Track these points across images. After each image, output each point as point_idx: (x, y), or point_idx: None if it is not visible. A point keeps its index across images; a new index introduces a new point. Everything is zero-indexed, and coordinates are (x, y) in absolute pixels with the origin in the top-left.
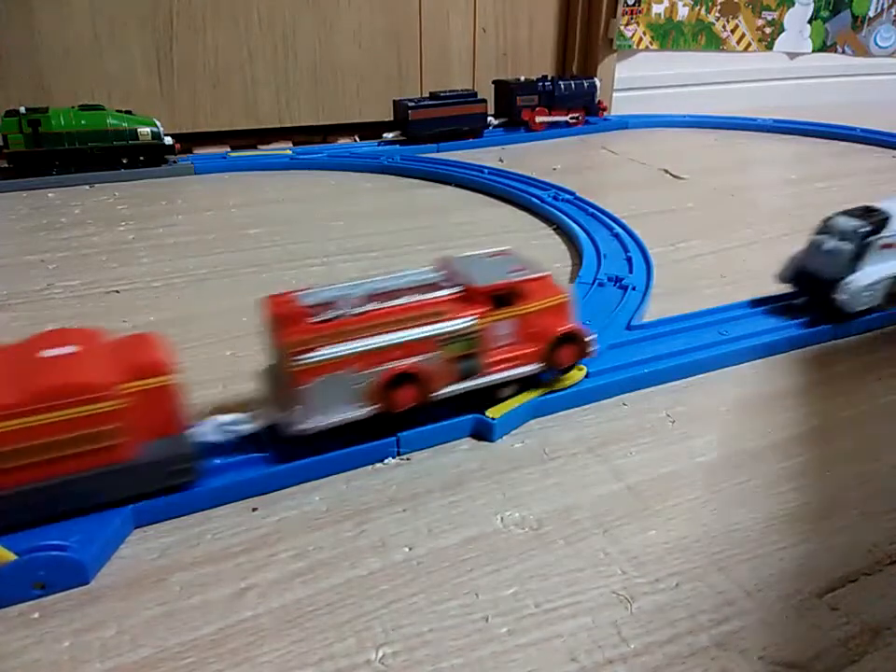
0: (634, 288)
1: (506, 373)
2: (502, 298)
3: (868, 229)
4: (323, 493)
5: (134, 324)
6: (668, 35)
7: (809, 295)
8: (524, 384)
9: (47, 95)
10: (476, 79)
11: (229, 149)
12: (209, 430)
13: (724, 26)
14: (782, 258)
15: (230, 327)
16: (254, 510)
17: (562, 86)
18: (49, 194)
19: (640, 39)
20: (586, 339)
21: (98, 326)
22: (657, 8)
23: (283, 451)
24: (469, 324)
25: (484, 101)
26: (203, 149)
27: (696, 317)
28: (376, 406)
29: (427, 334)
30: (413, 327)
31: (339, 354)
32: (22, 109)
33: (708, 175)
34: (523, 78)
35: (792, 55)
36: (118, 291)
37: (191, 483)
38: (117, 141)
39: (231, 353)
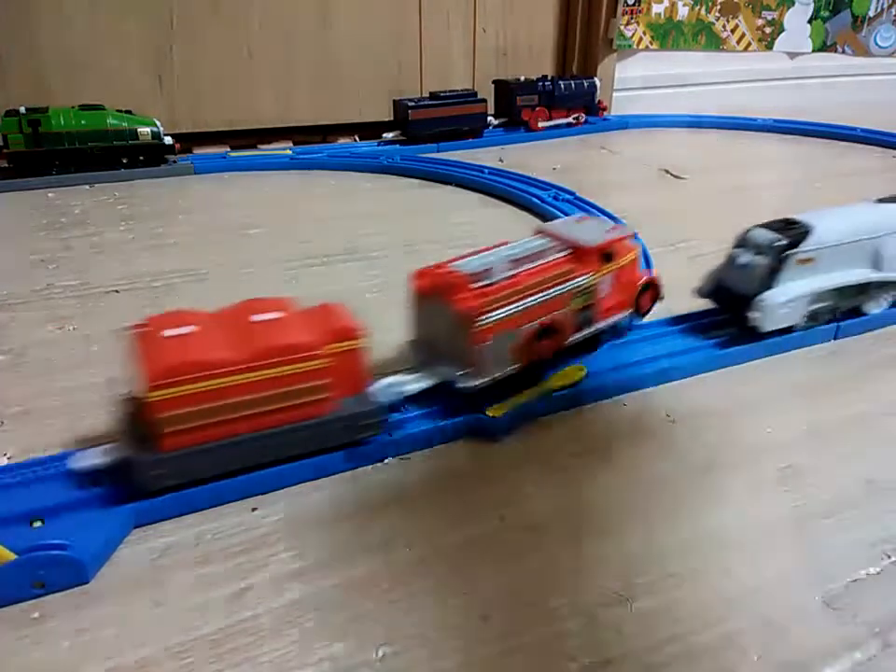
0: None
1: (610, 320)
2: (606, 255)
3: (784, 243)
4: (324, 493)
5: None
6: (668, 34)
7: (729, 311)
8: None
9: (47, 95)
10: (476, 79)
11: (229, 149)
12: (381, 391)
13: (724, 26)
14: None
15: None
16: (253, 510)
17: (562, 86)
18: (49, 194)
19: (640, 39)
20: (660, 285)
21: (97, 325)
22: (657, 8)
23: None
24: (589, 280)
25: (484, 101)
26: (203, 149)
27: (694, 318)
28: (525, 359)
29: (563, 291)
30: (553, 286)
31: (508, 313)
32: (22, 109)
33: (708, 175)
34: (523, 78)
35: (792, 55)
36: (117, 291)
37: (377, 435)
38: (117, 141)
39: None
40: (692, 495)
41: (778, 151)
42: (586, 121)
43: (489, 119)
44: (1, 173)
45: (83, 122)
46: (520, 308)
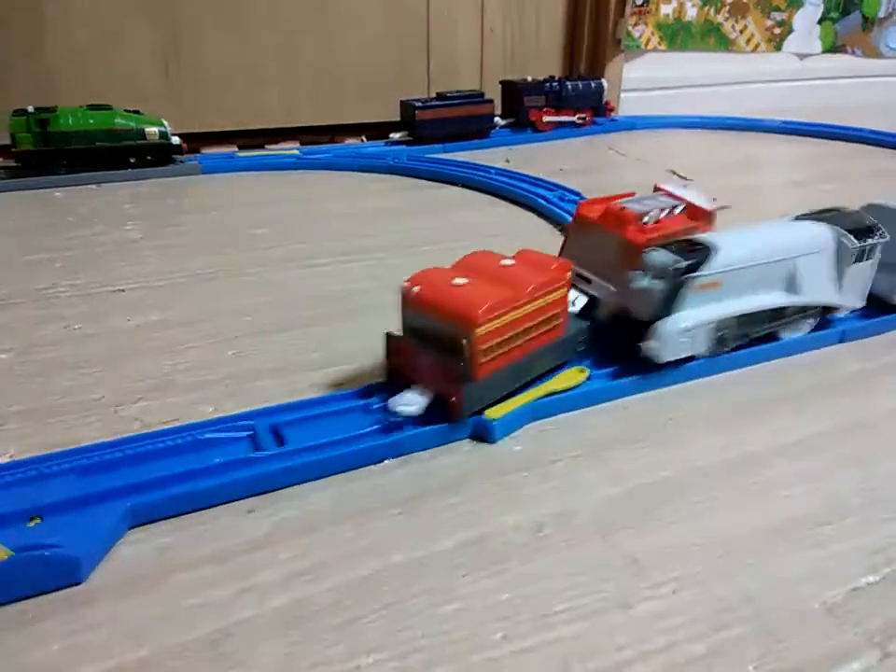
0: None
1: None
2: (713, 217)
3: (683, 266)
4: (322, 494)
5: (138, 323)
6: (677, 35)
7: (627, 338)
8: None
9: (55, 95)
10: (483, 79)
11: (236, 149)
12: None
13: (733, 27)
14: None
15: (234, 327)
16: (249, 511)
17: (569, 86)
18: (57, 193)
19: (648, 40)
20: None
21: (101, 325)
22: (665, 9)
23: None
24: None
25: (491, 101)
26: (210, 149)
27: None
28: None
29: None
30: (685, 234)
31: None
32: (31, 108)
33: (715, 177)
34: (530, 79)
35: (802, 56)
36: (123, 290)
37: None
38: (124, 140)
39: (234, 353)
40: (691, 498)
41: (786, 153)
42: (594, 122)
43: (496, 119)
44: (9, 172)
45: (91, 122)
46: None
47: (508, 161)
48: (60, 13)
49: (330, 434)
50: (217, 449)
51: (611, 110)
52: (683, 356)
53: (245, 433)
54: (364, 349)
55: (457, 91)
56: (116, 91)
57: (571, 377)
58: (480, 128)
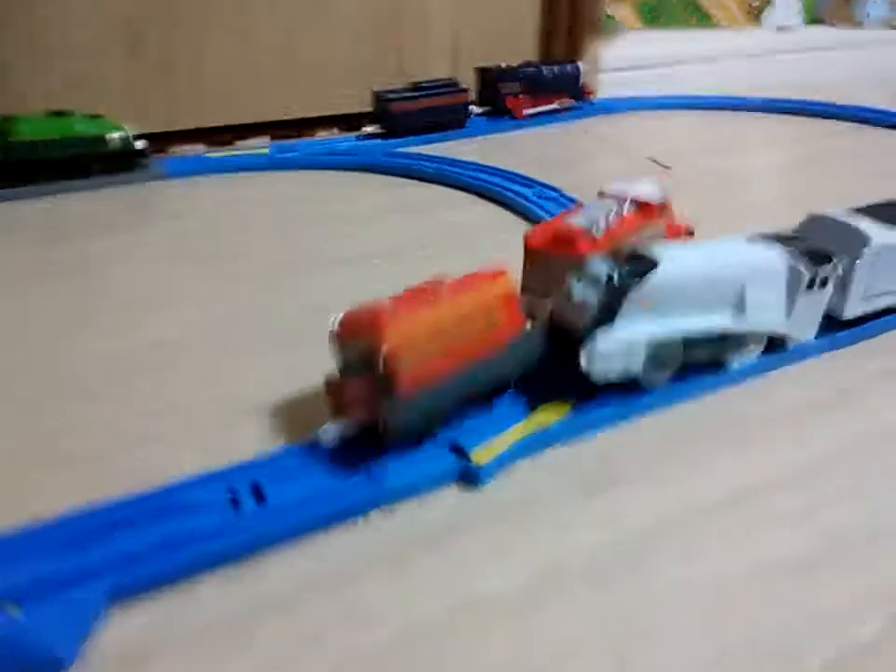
0: None
1: None
2: (663, 208)
3: (621, 277)
4: (307, 555)
5: (107, 351)
6: (656, 13)
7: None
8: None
9: (10, 94)
10: (458, 64)
11: (205, 148)
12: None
13: (712, 2)
14: None
15: (209, 353)
16: (234, 580)
17: (544, 71)
18: (23, 207)
19: (628, 18)
20: (694, 231)
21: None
22: None
23: None
24: (657, 227)
25: (467, 90)
26: (177, 147)
27: None
28: None
29: (649, 237)
30: (637, 233)
31: None
32: None
33: (697, 163)
34: (504, 65)
35: (783, 28)
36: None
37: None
38: (85, 148)
39: (210, 388)
40: (680, 540)
41: (768, 133)
42: (572, 107)
43: (471, 108)
44: None
45: (51, 130)
46: None
47: (484, 155)
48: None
49: (312, 487)
50: (196, 512)
51: (590, 94)
52: (615, 375)
53: (224, 492)
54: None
55: (432, 81)
56: (74, 89)
57: (555, 410)
58: (455, 118)
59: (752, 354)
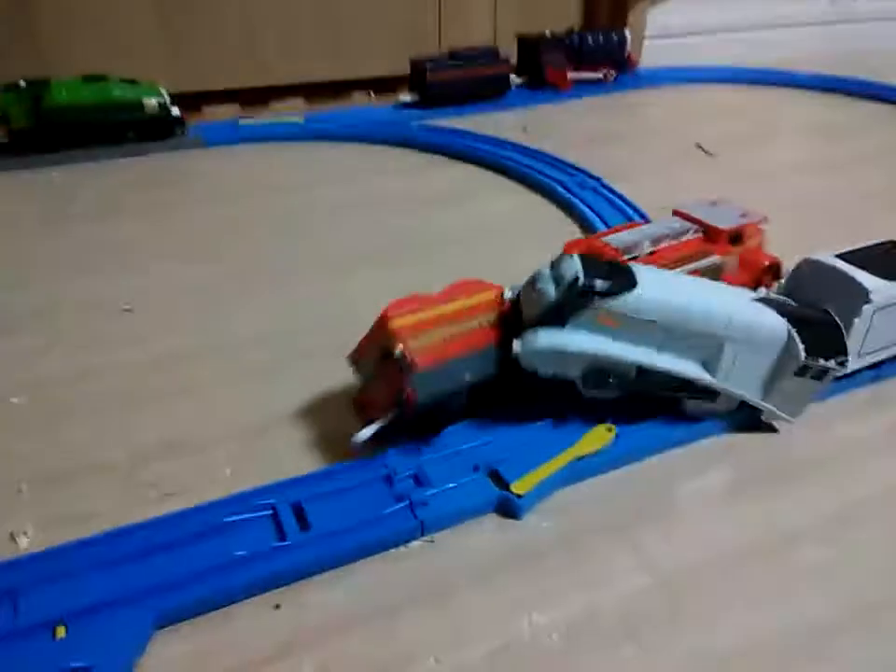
0: None
1: None
2: (735, 237)
3: (583, 283)
4: (346, 585)
5: (147, 354)
6: None
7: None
8: None
9: (43, 56)
10: (497, 31)
11: (239, 112)
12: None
13: None
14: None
15: (247, 360)
16: (276, 607)
17: (590, 40)
18: (54, 173)
19: None
20: (781, 265)
21: (110, 355)
22: None
23: None
24: (719, 259)
25: (507, 61)
26: (210, 109)
27: None
28: None
29: (698, 266)
30: (690, 262)
31: None
32: (22, 83)
33: (742, 152)
34: (548, 33)
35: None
36: (130, 310)
37: None
38: (122, 114)
39: (248, 396)
40: (722, 588)
41: (818, 115)
42: (616, 78)
43: (512, 77)
44: (3, 151)
45: (86, 95)
46: None
47: (525, 129)
48: None
49: (355, 514)
50: (239, 535)
51: (634, 64)
52: (546, 374)
53: (266, 512)
54: None
55: (471, 49)
56: (109, 50)
57: (598, 438)
58: (495, 89)
59: (719, 409)
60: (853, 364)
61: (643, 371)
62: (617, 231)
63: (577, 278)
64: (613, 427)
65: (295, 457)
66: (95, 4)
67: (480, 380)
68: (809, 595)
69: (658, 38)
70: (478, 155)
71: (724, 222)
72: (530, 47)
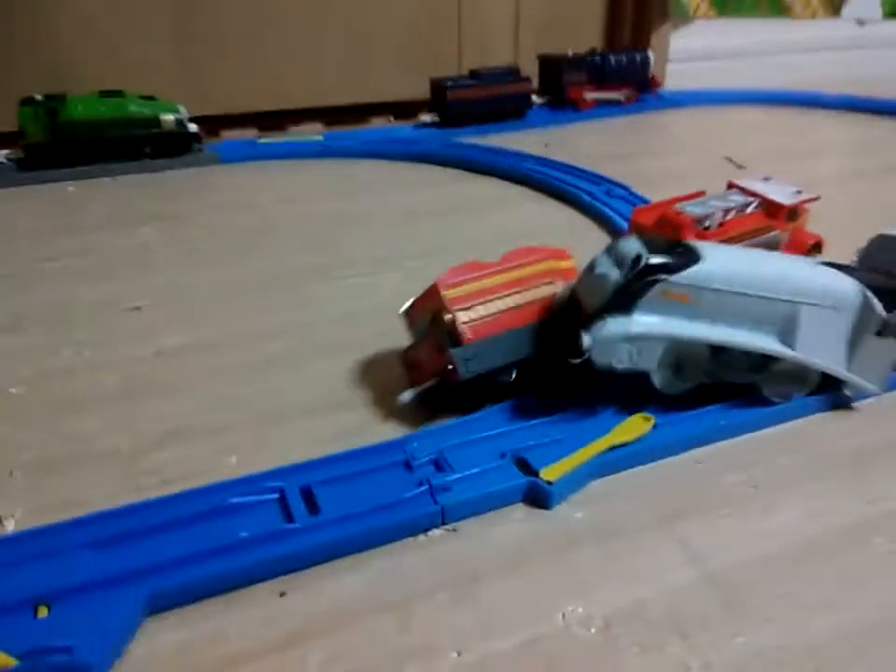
0: None
1: None
2: (792, 213)
3: (647, 262)
4: (360, 573)
5: (154, 349)
6: (728, 1)
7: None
8: None
9: (61, 77)
10: (519, 52)
11: (257, 133)
12: None
13: None
14: None
15: (258, 355)
16: (282, 594)
17: (612, 60)
18: (70, 188)
19: (698, 6)
20: (823, 244)
21: (117, 350)
22: None
23: None
24: (780, 234)
25: (528, 79)
26: (230, 132)
27: None
28: None
29: (760, 241)
30: (754, 236)
31: None
32: (39, 97)
33: (772, 164)
34: (570, 53)
35: (862, 22)
36: (139, 308)
37: None
38: (139, 129)
39: (258, 388)
40: (779, 588)
41: (847, 134)
42: (638, 99)
43: (533, 98)
44: (20, 164)
45: (103, 110)
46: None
47: (546, 145)
48: None
49: (370, 498)
50: (244, 517)
51: (657, 85)
52: (622, 366)
53: (273, 496)
54: (399, 382)
55: (491, 68)
56: (129, 71)
57: (635, 427)
58: (516, 108)
59: (799, 391)
60: None
61: (719, 353)
62: (677, 200)
63: (639, 256)
64: (652, 417)
65: (304, 449)
66: (116, 30)
67: (529, 357)
68: (874, 594)
69: (678, 62)
70: (499, 168)
71: (783, 198)
72: (552, 66)
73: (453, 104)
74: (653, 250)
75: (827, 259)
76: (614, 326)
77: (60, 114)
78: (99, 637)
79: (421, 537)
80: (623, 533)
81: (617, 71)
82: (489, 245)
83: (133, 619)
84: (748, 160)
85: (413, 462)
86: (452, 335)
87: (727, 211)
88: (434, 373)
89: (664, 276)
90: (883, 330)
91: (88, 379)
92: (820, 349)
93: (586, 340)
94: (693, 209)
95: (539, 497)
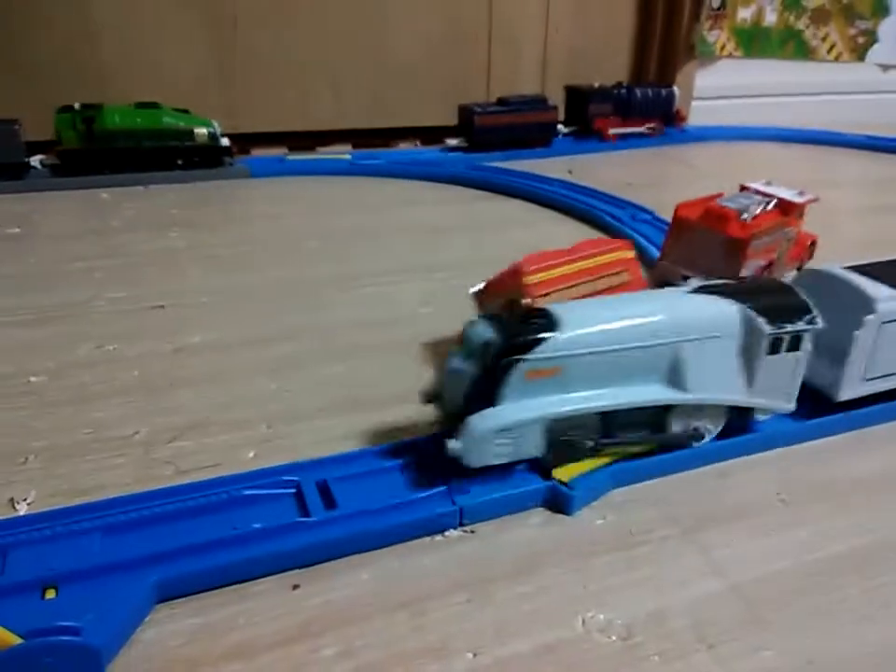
0: None
1: (792, 267)
2: (801, 212)
3: (500, 346)
4: (374, 570)
5: (176, 346)
6: (754, 41)
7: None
8: None
9: (100, 89)
10: (546, 82)
11: (286, 151)
12: None
13: (814, 34)
14: None
15: (278, 355)
16: (295, 587)
17: (638, 94)
18: (103, 195)
19: (724, 46)
20: (817, 242)
21: (137, 346)
22: (743, 13)
23: None
24: (794, 230)
25: (555, 108)
26: (259, 151)
27: None
28: None
29: (782, 236)
30: (776, 231)
31: (756, 246)
32: (77, 105)
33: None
34: (597, 85)
35: (886, 67)
36: (163, 307)
37: None
38: (172, 141)
39: (277, 386)
40: (809, 602)
41: (872, 171)
42: (663, 133)
43: (558, 127)
44: (54, 170)
45: (138, 121)
46: (760, 244)
47: (570, 172)
48: (110, 4)
49: (387, 496)
50: (259, 509)
51: (682, 120)
52: (502, 460)
53: (289, 490)
54: (417, 387)
55: (520, 96)
56: (165, 88)
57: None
58: (542, 136)
59: (711, 428)
60: (858, 389)
61: (609, 419)
62: (713, 197)
63: (488, 342)
64: None
65: (320, 446)
66: (155, 48)
67: None
68: None
69: (703, 99)
70: (525, 190)
71: (793, 197)
72: (578, 97)
73: (480, 129)
74: (504, 330)
75: (699, 284)
76: (481, 422)
77: (96, 122)
78: (108, 620)
79: (438, 537)
80: (646, 541)
81: (643, 104)
82: (511, 260)
83: (143, 605)
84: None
85: (430, 462)
86: None
87: (757, 206)
88: None
89: (521, 357)
90: (774, 347)
91: (107, 371)
92: (714, 383)
93: (454, 445)
94: (731, 204)
95: (559, 502)
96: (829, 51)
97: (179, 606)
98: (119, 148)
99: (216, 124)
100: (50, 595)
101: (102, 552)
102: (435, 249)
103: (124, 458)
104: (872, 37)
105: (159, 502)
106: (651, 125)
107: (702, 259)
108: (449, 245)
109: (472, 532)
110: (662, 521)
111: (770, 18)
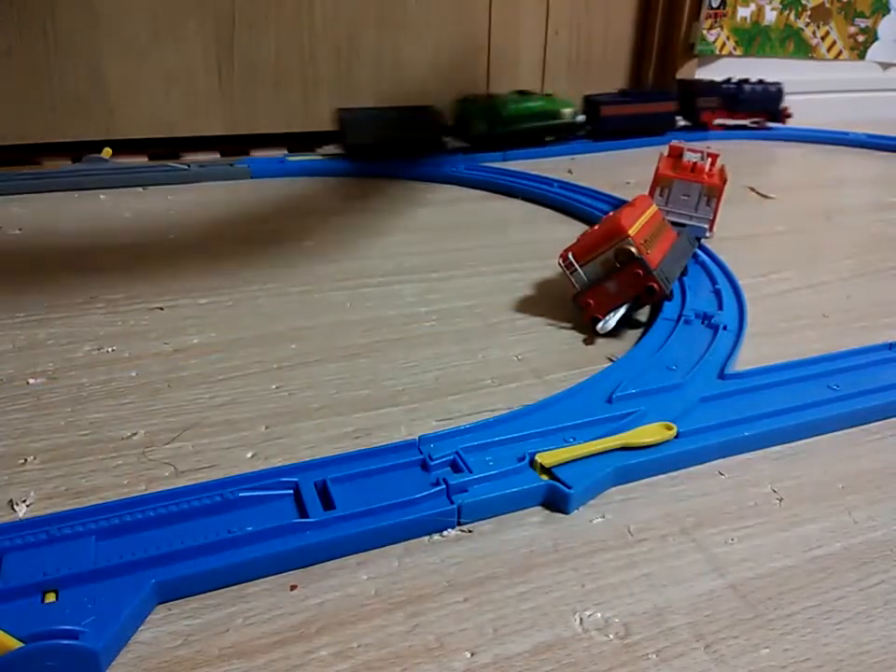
0: (725, 328)
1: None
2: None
3: None
4: (371, 570)
5: (175, 347)
6: (754, 40)
7: None
8: None
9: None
10: (545, 82)
11: (286, 152)
12: None
13: (814, 33)
14: (892, 295)
15: (277, 355)
16: (292, 588)
17: (745, 89)
18: (101, 196)
19: (724, 44)
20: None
21: (138, 346)
22: (743, 12)
23: None
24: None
25: (675, 98)
26: (259, 152)
27: (800, 367)
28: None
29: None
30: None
31: None
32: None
33: (798, 195)
34: (707, 79)
35: (886, 66)
36: (161, 308)
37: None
38: (550, 120)
39: (276, 386)
40: (808, 600)
41: (873, 170)
42: (766, 127)
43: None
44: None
45: (526, 107)
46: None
47: (570, 172)
48: (110, 6)
49: (385, 496)
50: (257, 510)
51: (788, 116)
52: None
53: (287, 491)
54: (418, 386)
55: (639, 90)
56: (165, 88)
57: (653, 433)
58: (662, 125)
59: None
60: None
61: None
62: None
63: None
64: (674, 425)
65: (319, 447)
66: (164, 60)
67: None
68: None
69: None
70: (525, 190)
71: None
72: (688, 92)
73: (605, 119)
74: None
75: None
76: None
77: (501, 109)
78: (107, 623)
79: (436, 536)
80: (644, 540)
81: (749, 99)
82: (511, 260)
83: (142, 607)
84: (777, 190)
85: (430, 462)
86: (643, 264)
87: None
88: (625, 300)
89: None
90: None
91: (106, 373)
92: None
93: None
94: (694, 158)
95: (557, 501)
96: (829, 49)
97: (178, 607)
98: (514, 132)
99: (572, 103)
100: (50, 598)
101: (101, 555)
102: (435, 249)
103: (123, 460)
104: (872, 36)
105: (157, 505)
106: (756, 119)
107: (686, 205)
108: (449, 245)
109: (470, 532)
110: (660, 519)
111: (770, 16)
